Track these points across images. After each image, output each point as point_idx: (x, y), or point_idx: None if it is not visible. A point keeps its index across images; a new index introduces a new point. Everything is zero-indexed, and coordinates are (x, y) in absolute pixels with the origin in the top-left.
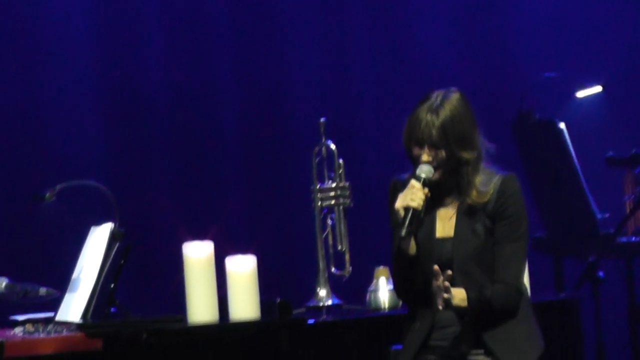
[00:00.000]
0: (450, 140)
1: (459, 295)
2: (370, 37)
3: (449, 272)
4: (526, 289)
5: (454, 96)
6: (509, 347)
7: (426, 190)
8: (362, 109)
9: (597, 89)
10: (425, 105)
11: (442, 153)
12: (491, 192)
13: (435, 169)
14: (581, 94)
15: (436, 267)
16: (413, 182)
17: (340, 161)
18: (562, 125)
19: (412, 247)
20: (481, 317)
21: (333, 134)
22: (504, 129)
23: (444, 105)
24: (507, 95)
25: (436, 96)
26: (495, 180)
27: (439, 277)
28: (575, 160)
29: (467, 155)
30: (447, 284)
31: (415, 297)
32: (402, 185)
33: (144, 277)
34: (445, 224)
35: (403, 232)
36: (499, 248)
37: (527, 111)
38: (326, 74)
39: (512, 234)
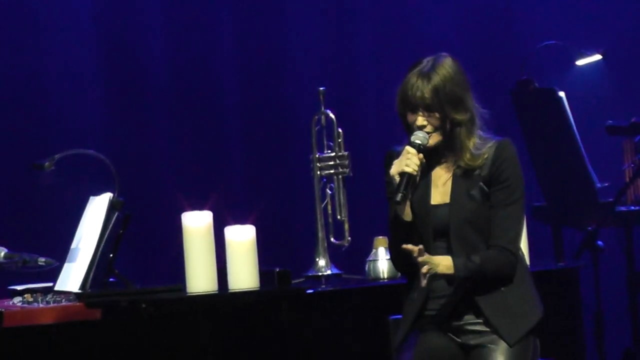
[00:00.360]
0: (443, 102)
1: (444, 263)
2: (369, 6)
3: (421, 246)
4: (523, 254)
5: (445, 60)
6: (504, 313)
7: (421, 155)
8: (361, 78)
9: (597, 57)
10: (416, 70)
11: (436, 115)
12: (485, 156)
13: (430, 134)
14: (581, 62)
15: (409, 246)
16: (408, 148)
17: (340, 130)
18: (561, 93)
19: (408, 213)
20: (473, 283)
21: (332, 103)
22: (503, 98)
23: (435, 68)
24: (506, 64)
25: (427, 61)
26: (491, 145)
27: (416, 253)
28: (575, 129)
29: (460, 116)
30: (422, 258)
31: (411, 267)
32: (398, 156)
33: (143, 247)
34: (440, 190)
35: (398, 197)
36: (494, 212)
37: (526, 80)
38: (325, 43)
39: (507, 198)
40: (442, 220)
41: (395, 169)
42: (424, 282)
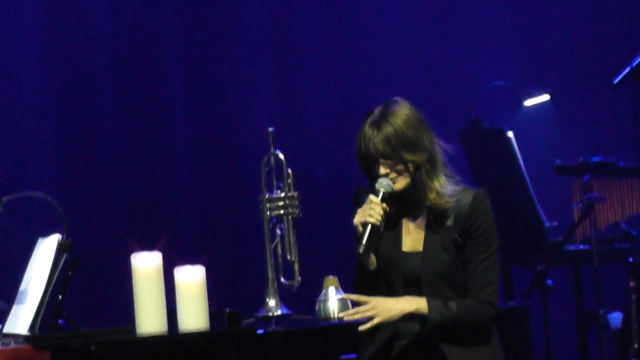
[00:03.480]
0: (396, 148)
1: (417, 302)
2: (320, 45)
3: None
4: None
5: (394, 106)
6: None
7: (384, 205)
8: (310, 118)
9: (545, 97)
10: (368, 121)
11: (396, 162)
12: (454, 200)
13: (395, 179)
14: (529, 102)
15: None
16: (371, 197)
17: (289, 171)
18: (510, 133)
19: (372, 263)
20: (443, 330)
21: (281, 143)
22: (452, 137)
23: (384, 117)
24: (455, 104)
25: (378, 111)
26: (466, 195)
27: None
28: (524, 168)
29: (416, 158)
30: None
31: None
32: (367, 193)
33: (92, 289)
34: (413, 236)
35: (360, 249)
36: (471, 266)
37: (475, 119)
38: (274, 83)
39: (484, 252)
40: (414, 269)
41: (358, 218)
42: (365, 327)
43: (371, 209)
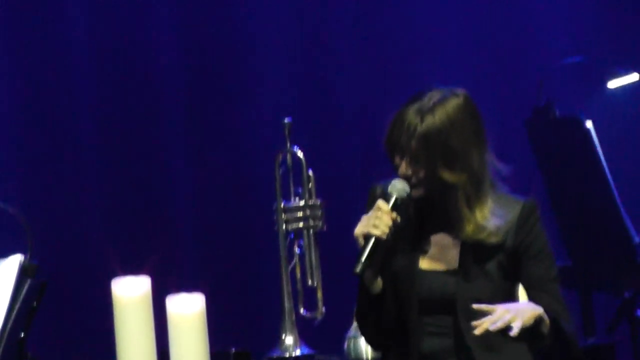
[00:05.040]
0: (432, 155)
1: (528, 310)
2: (351, 14)
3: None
4: None
5: (453, 101)
6: None
7: (394, 214)
8: (336, 107)
9: (634, 77)
10: (414, 106)
11: (422, 170)
12: (502, 227)
13: (414, 186)
14: (613, 83)
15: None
16: (380, 203)
17: (310, 173)
18: (589, 124)
19: (377, 284)
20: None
21: (301, 138)
22: (515, 129)
23: (434, 110)
24: (518, 86)
25: (429, 97)
26: (513, 208)
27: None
28: (606, 168)
29: (451, 177)
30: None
31: (387, 340)
32: (384, 194)
33: (63, 322)
34: (439, 250)
35: (358, 268)
36: (540, 292)
37: (544, 106)
38: (293, 60)
39: (549, 271)
40: (447, 292)
41: (360, 229)
42: (514, 333)
43: (377, 217)
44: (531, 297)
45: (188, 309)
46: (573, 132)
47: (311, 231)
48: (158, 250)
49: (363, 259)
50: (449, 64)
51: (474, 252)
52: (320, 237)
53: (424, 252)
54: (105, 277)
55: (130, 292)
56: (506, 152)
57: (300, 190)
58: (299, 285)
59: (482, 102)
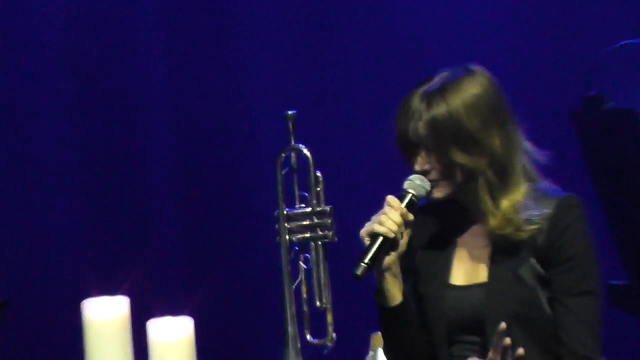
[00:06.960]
0: (444, 140)
1: None
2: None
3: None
4: None
5: (464, 78)
6: None
7: (404, 210)
8: (347, 99)
9: None
10: (421, 90)
11: (441, 159)
12: (536, 224)
13: (436, 183)
14: None
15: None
16: (390, 199)
17: (319, 174)
18: None
19: (394, 296)
20: None
21: (306, 133)
22: (561, 122)
23: (444, 92)
24: (564, 73)
25: (440, 77)
26: (548, 205)
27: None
28: None
29: (471, 162)
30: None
31: None
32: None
33: (27, 348)
34: (470, 264)
35: (359, 271)
36: (561, 306)
37: (594, 96)
38: (294, 53)
39: (577, 285)
40: (473, 309)
41: (366, 228)
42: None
43: (384, 214)
44: (555, 310)
45: (173, 335)
46: (627, 124)
47: (319, 243)
48: (139, 265)
49: (366, 260)
50: (482, 47)
51: (504, 254)
52: (330, 250)
53: (449, 263)
54: (77, 297)
55: (105, 314)
56: (548, 149)
57: (306, 195)
58: (305, 307)
59: (522, 94)
